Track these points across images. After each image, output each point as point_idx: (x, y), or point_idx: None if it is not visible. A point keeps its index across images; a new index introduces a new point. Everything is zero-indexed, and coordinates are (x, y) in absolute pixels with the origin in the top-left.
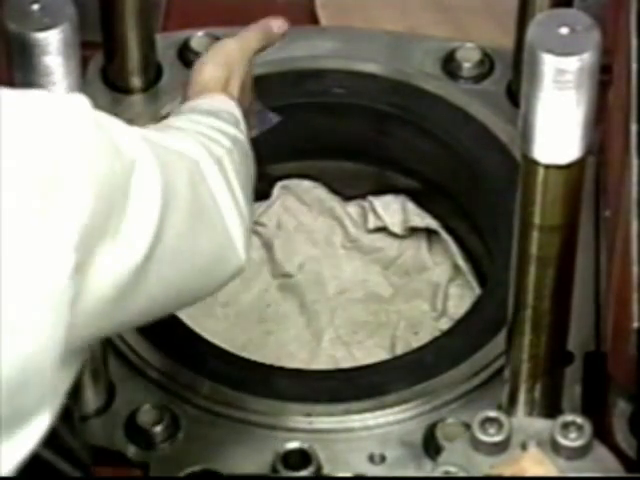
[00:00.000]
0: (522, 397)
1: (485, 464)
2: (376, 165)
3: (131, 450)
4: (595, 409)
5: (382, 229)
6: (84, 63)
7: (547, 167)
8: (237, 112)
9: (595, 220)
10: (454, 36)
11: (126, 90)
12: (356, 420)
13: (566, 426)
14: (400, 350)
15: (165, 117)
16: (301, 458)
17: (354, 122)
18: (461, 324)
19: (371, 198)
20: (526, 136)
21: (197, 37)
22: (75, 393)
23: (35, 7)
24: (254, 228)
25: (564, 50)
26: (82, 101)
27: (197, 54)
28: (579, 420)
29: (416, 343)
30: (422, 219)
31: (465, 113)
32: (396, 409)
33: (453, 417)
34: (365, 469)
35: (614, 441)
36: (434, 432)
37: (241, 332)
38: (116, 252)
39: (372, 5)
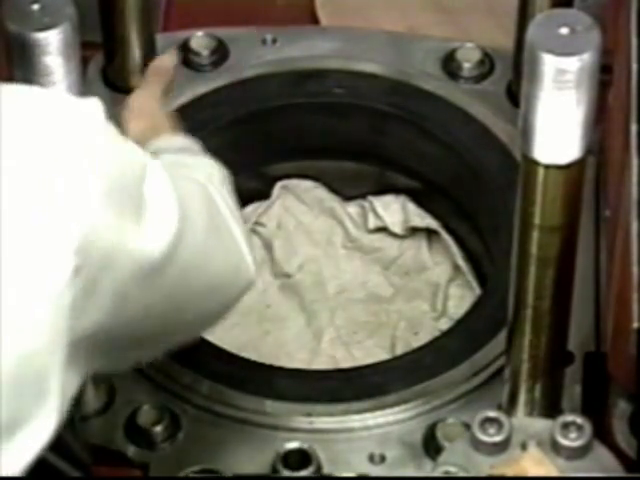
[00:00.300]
0: (522, 397)
1: (485, 464)
2: (376, 165)
3: (131, 450)
4: (595, 409)
5: (382, 229)
6: (84, 63)
7: (547, 167)
8: (195, 144)
9: (595, 220)
10: (454, 36)
11: (126, 90)
12: (356, 420)
13: (566, 426)
14: (400, 350)
15: None
16: (301, 458)
17: (354, 122)
18: (461, 324)
19: (371, 198)
20: (526, 136)
21: (197, 37)
22: None
23: (35, 7)
24: (254, 228)
25: (564, 50)
26: (96, 105)
27: (197, 54)
28: (579, 420)
29: (416, 343)
30: (422, 219)
31: (465, 113)
32: (396, 409)
33: (453, 417)
34: (365, 469)
35: (614, 441)
36: (434, 432)
37: (241, 332)
38: (135, 253)
39: (372, 5)
